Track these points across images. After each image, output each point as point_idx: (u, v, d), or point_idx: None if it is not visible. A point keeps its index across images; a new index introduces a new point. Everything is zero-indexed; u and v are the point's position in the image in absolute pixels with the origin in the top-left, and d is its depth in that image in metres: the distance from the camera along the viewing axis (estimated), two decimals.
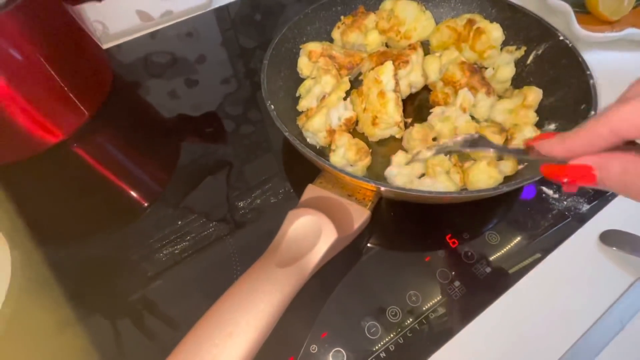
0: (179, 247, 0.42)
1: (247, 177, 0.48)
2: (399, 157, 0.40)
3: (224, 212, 0.44)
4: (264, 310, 0.25)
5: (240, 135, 0.52)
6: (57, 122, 0.52)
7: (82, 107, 0.54)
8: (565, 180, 0.25)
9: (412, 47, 0.46)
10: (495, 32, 0.47)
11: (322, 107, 0.42)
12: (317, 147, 0.45)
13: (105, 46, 0.65)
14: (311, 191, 0.37)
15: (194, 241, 0.42)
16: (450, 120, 0.43)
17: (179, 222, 0.44)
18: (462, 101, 0.43)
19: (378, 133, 0.43)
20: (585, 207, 0.42)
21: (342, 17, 0.54)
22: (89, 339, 0.37)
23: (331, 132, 0.43)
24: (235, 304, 0.26)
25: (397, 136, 0.45)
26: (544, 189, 0.44)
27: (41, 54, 0.46)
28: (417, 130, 0.42)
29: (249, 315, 0.25)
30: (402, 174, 0.39)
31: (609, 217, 0.41)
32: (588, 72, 0.41)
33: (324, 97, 0.45)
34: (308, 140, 0.45)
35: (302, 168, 0.42)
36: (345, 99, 0.44)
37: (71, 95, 0.52)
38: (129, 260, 0.42)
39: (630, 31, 0.53)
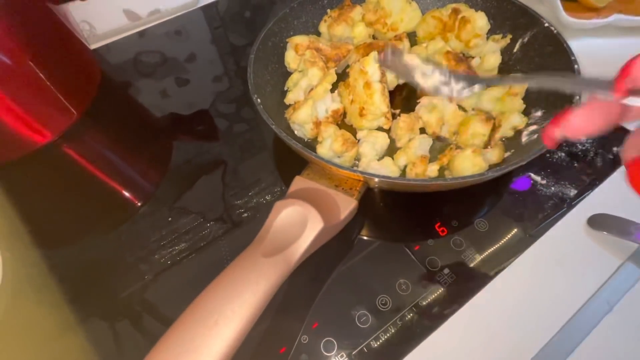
0: (176, 247, 0.42)
1: (242, 175, 0.48)
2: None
3: (220, 211, 0.44)
4: (249, 300, 0.26)
5: (234, 134, 0.52)
6: (45, 122, 0.52)
7: (70, 107, 0.54)
8: None
9: (398, 38, 0.47)
10: (480, 20, 0.47)
11: (308, 99, 0.42)
12: (305, 140, 0.46)
13: (93, 46, 0.65)
14: (298, 182, 0.37)
15: (190, 241, 0.42)
16: (437, 110, 0.43)
17: (175, 223, 0.44)
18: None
19: (366, 124, 0.43)
20: (573, 192, 0.42)
21: (328, 10, 0.55)
22: (83, 341, 0.37)
23: (318, 124, 0.43)
24: (221, 293, 0.26)
25: (384, 127, 0.45)
26: (533, 175, 0.44)
27: (27, 54, 0.46)
28: (403, 120, 0.42)
29: (234, 304, 0.25)
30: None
31: (597, 201, 0.41)
32: (573, 58, 0.42)
33: (311, 90, 0.45)
34: (296, 132, 0.45)
35: (292, 162, 0.42)
36: (332, 91, 0.44)
37: (59, 95, 0.51)
38: (123, 261, 0.42)
39: (616, 17, 0.53)
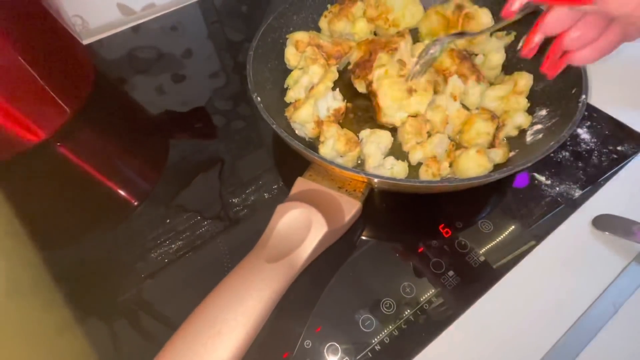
0: (173, 246, 0.41)
1: (239, 173, 0.47)
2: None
3: (217, 209, 0.44)
4: (253, 308, 0.25)
5: (231, 131, 0.51)
6: (38, 120, 0.50)
7: (63, 105, 0.52)
8: None
9: (400, 35, 0.45)
10: (484, 17, 0.46)
11: (310, 98, 0.41)
12: (307, 139, 0.45)
13: (85, 41, 0.63)
14: (301, 184, 0.36)
15: (188, 240, 0.41)
16: (440, 109, 0.42)
17: (172, 221, 0.43)
18: (452, 89, 0.43)
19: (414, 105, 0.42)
20: (577, 193, 0.42)
21: (329, 6, 0.53)
22: (81, 341, 0.36)
23: (319, 123, 0.42)
24: (224, 301, 0.25)
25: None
26: (537, 175, 0.43)
27: (17, 50, 0.45)
28: (410, 123, 0.41)
29: (237, 313, 0.24)
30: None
31: (601, 202, 0.41)
32: None
33: (312, 88, 0.44)
34: (297, 132, 0.44)
35: (293, 162, 0.41)
36: (334, 89, 0.43)
37: (51, 92, 0.50)
38: (121, 260, 0.41)
39: None
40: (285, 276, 0.27)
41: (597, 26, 0.31)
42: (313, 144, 0.44)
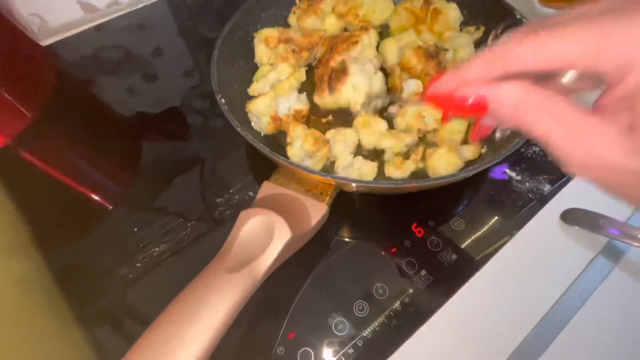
0: (156, 249, 0.40)
1: (221, 172, 0.46)
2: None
3: (200, 210, 0.43)
4: (210, 322, 0.24)
5: (209, 130, 0.50)
6: None
7: (22, 109, 0.50)
8: (451, 112, 0.24)
9: (363, 28, 0.45)
10: (452, 12, 0.46)
11: (271, 91, 0.40)
12: (262, 135, 0.44)
13: (45, 42, 0.60)
14: (266, 188, 0.35)
15: (171, 242, 0.40)
16: (408, 110, 0.42)
17: (152, 224, 0.42)
18: (408, 95, 0.42)
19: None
20: (547, 187, 0.42)
21: (297, 2, 0.52)
22: (61, 348, 0.35)
23: (276, 119, 0.41)
24: (179, 316, 0.24)
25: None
26: (508, 171, 0.44)
27: None
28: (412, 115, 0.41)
29: (193, 328, 0.23)
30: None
31: (569, 196, 0.41)
32: None
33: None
34: (252, 124, 0.43)
35: (264, 162, 0.40)
36: (300, 92, 0.42)
37: (7, 96, 0.48)
38: (99, 265, 0.40)
39: None
40: (246, 286, 0.26)
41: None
42: (282, 147, 0.44)
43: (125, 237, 0.41)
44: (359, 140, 0.41)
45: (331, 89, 0.41)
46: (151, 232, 0.41)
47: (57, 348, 0.36)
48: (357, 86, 0.40)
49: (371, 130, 0.40)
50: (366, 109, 0.42)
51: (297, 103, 0.41)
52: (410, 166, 0.38)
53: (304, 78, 0.43)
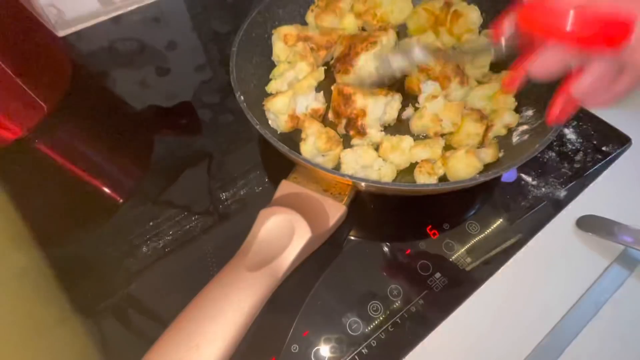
0: (161, 241, 0.40)
1: (228, 167, 0.46)
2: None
3: (206, 204, 0.43)
4: (233, 319, 0.24)
5: (219, 125, 0.50)
6: (13, 117, 0.48)
7: (39, 101, 0.50)
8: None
9: (382, 29, 0.45)
10: (472, 14, 0.46)
11: (289, 90, 0.40)
12: (278, 132, 0.44)
13: (62, 33, 0.60)
14: (285, 187, 0.35)
15: (177, 235, 0.41)
16: (426, 112, 0.41)
17: (160, 217, 0.42)
18: (425, 99, 0.42)
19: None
20: (562, 193, 0.42)
21: (315, 0, 0.52)
22: (68, 338, 0.36)
23: (293, 118, 0.41)
24: (202, 313, 0.24)
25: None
26: (523, 176, 0.43)
27: None
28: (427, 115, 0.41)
29: (217, 326, 0.24)
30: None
31: (586, 202, 0.41)
32: None
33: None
34: (270, 122, 0.43)
35: (279, 160, 0.40)
36: (318, 90, 0.42)
37: (25, 87, 0.48)
38: (107, 257, 0.40)
39: None
40: (267, 285, 0.26)
41: (608, 74, 0.27)
42: (298, 144, 0.44)
43: (132, 230, 0.41)
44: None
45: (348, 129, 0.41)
46: (157, 225, 0.41)
47: (58, 339, 0.36)
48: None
49: (400, 150, 0.39)
50: (379, 129, 0.41)
51: (315, 102, 0.41)
52: (439, 171, 0.38)
53: (322, 77, 0.43)
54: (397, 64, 0.39)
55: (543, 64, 0.27)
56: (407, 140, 0.40)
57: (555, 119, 0.33)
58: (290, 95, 0.40)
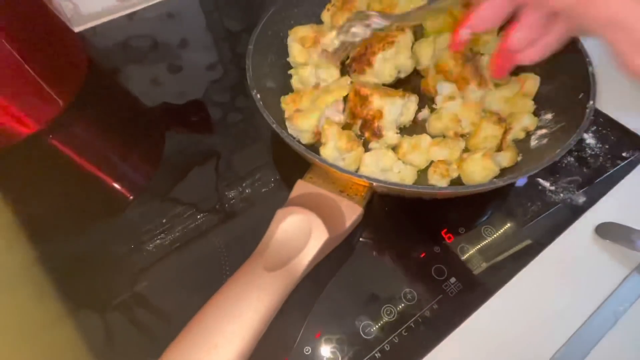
0: (168, 239, 0.40)
1: (236, 166, 0.46)
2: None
3: (213, 202, 0.43)
4: (251, 319, 0.24)
5: (228, 124, 0.50)
6: (29, 112, 0.48)
7: (54, 96, 0.50)
8: None
9: (399, 29, 0.44)
10: None
11: (316, 110, 0.40)
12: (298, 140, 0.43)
13: (77, 29, 0.60)
14: (300, 187, 0.35)
15: (183, 233, 0.41)
16: (445, 113, 0.41)
17: (168, 215, 0.42)
18: (441, 101, 0.42)
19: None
20: (581, 199, 0.41)
21: None
22: (74, 334, 0.35)
23: (317, 134, 0.41)
24: (221, 312, 0.24)
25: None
26: (541, 181, 0.43)
27: (4, 38, 0.43)
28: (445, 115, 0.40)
29: (235, 325, 0.23)
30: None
31: (604, 209, 0.40)
32: (587, 59, 0.40)
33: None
34: (289, 131, 0.43)
35: (292, 159, 0.40)
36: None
37: (41, 82, 0.48)
38: (114, 253, 0.40)
39: None
40: (285, 285, 0.26)
41: (539, 24, 0.30)
42: (313, 145, 0.43)
43: (140, 226, 0.41)
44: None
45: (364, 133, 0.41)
46: (165, 223, 0.41)
47: (58, 339, 0.36)
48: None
49: (419, 150, 0.39)
50: (395, 131, 0.41)
51: (336, 115, 0.41)
52: (453, 173, 0.37)
53: (347, 92, 0.42)
54: (358, 31, 0.39)
55: (481, 15, 0.31)
56: (426, 138, 0.39)
57: (495, 74, 0.38)
58: (317, 117, 0.40)
